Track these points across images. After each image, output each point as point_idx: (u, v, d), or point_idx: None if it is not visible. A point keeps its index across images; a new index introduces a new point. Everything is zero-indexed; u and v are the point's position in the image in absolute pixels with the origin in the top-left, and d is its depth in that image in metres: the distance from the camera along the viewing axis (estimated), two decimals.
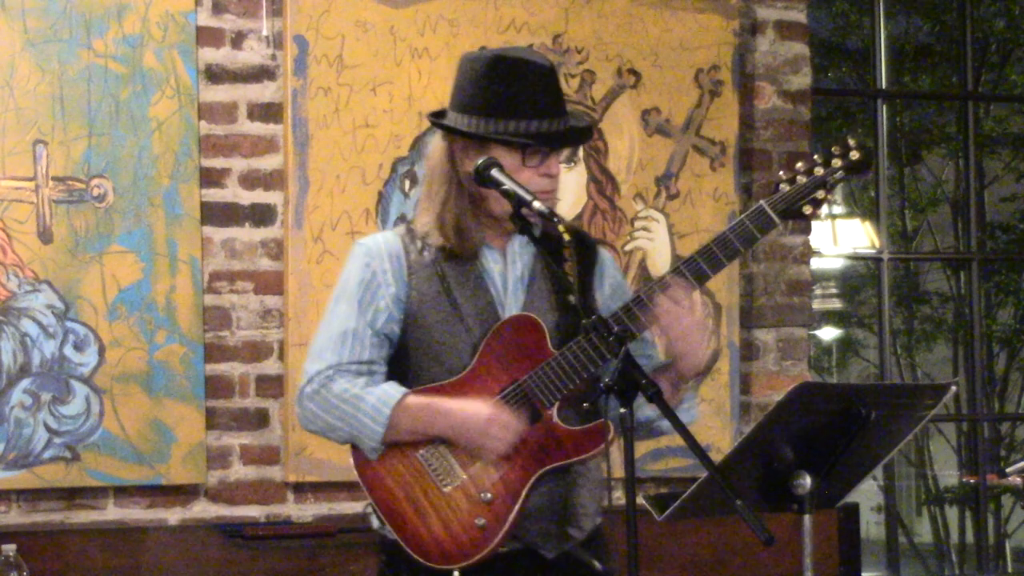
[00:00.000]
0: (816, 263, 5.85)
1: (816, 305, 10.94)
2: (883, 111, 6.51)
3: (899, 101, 9.56)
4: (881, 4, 6.61)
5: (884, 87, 6.74)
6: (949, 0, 9.14)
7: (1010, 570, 9.73)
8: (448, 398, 3.05)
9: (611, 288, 3.23)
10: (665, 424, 3.13)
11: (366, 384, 3.07)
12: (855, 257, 10.57)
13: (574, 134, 3.17)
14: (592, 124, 3.24)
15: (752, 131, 5.22)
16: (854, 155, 3.11)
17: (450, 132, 3.11)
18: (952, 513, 9.75)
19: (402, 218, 3.20)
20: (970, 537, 9.36)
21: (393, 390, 3.06)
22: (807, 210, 3.10)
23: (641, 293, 3.04)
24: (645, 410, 3.10)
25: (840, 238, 10.12)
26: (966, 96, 7.03)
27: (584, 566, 3.13)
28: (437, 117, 3.18)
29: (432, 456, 3.05)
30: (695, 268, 3.04)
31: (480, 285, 3.10)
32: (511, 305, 3.11)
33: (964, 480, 9.50)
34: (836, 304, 12.25)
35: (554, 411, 3.06)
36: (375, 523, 3.12)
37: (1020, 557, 10.11)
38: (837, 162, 3.11)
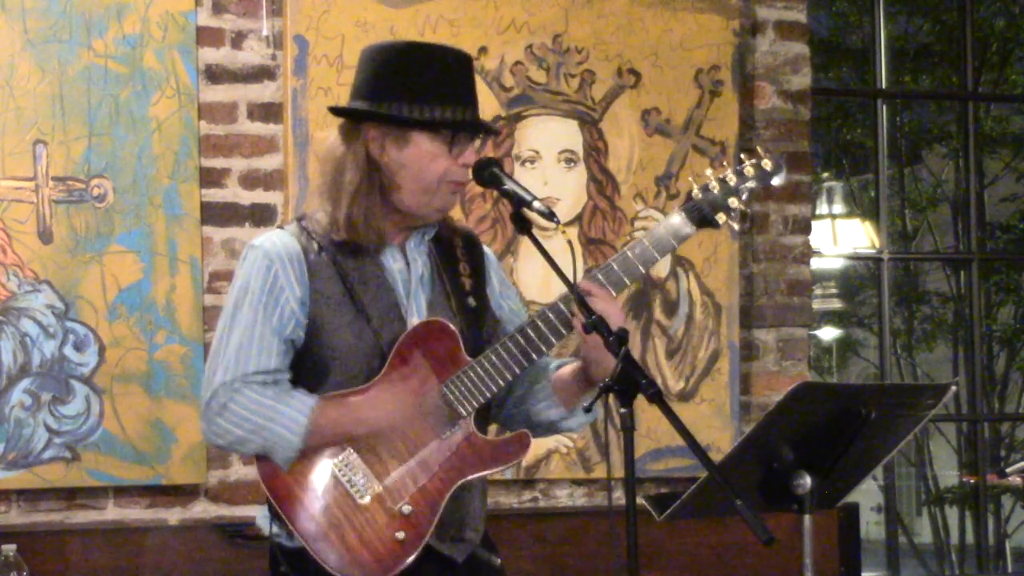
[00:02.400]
0: (816, 263, 5.85)
1: (816, 305, 10.95)
2: (883, 111, 6.51)
3: (899, 101, 9.56)
4: (881, 4, 6.62)
5: (884, 87, 6.74)
6: (949, 0, 9.14)
7: (1010, 570, 9.73)
8: (364, 398, 2.97)
9: (499, 285, 3.21)
10: (569, 423, 3.13)
11: (275, 394, 2.96)
12: (855, 257, 10.58)
13: (490, 125, 3.12)
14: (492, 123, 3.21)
15: (752, 131, 5.22)
16: (765, 164, 3.11)
17: (375, 120, 3.01)
18: (952, 513, 9.74)
19: (301, 217, 3.10)
20: (970, 537, 9.36)
21: (307, 397, 2.96)
22: (721, 218, 3.08)
23: (559, 303, 3.00)
24: (550, 412, 3.11)
25: (840, 238, 10.12)
26: (966, 96, 7.03)
27: (486, 564, 3.12)
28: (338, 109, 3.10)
29: (346, 467, 2.97)
30: (613, 276, 3.01)
31: (382, 285, 3.03)
32: (413, 306, 3.04)
33: (964, 480, 9.50)
34: (836, 304, 12.26)
35: (472, 420, 3.02)
36: (266, 530, 3.04)
37: (1020, 557, 10.11)
38: (749, 170, 3.10)
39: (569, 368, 3.11)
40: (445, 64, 3.03)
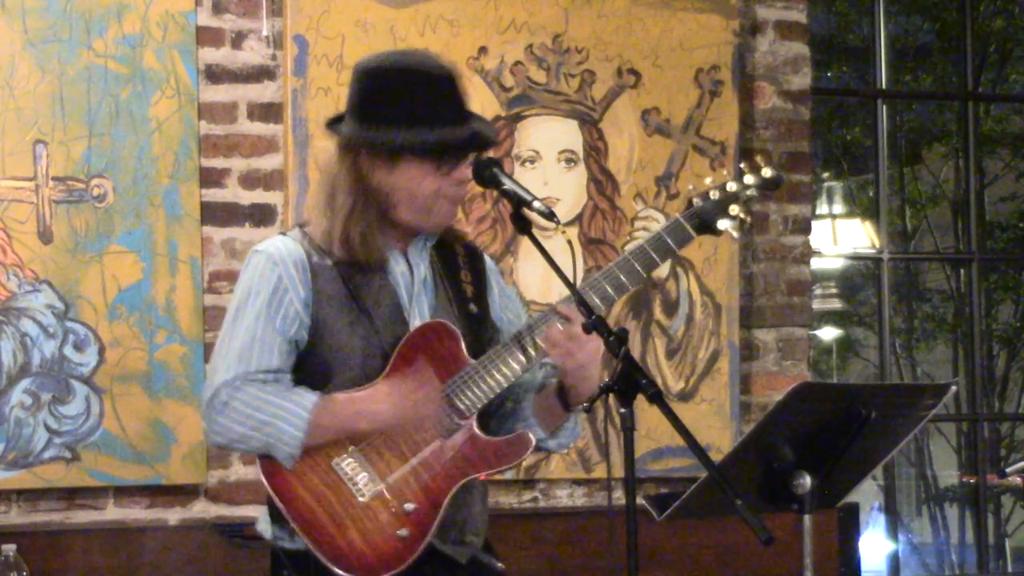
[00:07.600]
0: (816, 263, 5.85)
1: (816, 305, 10.93)
2: (883, 111, 6.50)
3: (899, 101, 9.55)
4: (881, 4, 6.61)
5: (884, 87, 6.74)
6: (949, 0, 9.14)
7: (1010, 570, 9.73)
8: (367, 394, 2.99)
9: (499, 294, 3.22)
10: (548, 444, 3.13)
11: (277, 390, 2.98)
12: (855, 257, 10.57)
13: (480, 140, 3.10)
14: (495, 132, 3.26)
15: (752, 131, 5.23)
16: (765, 172, 3.16)
17: (364, 145, 3.03)
18: (952, 513, 9.75)
19: (303, 224, 3.13)
20: (970, 537, 9.36)
21: (309, 394, 2.98)
22: (722, 225, 3.11)
23: (538, 319, 3.02)
24: (530, 433, 3.09)
25: (840, 238, 10.12)
26: (966, 96, 7.02)
27: (488, 568, 3.14)
28: (334, 122, 3.11)
29: (347, 465, 2.98)
30: (614, 280, 3.04)
31: (385, 287, 3.05)
32: (416, 309, 3.06)
33: (964, 480, 9.50)
34: (836, 304, 12.25)
35: (474, 420, 3.03)
36: (268, 533, 3.05)
37: (1020, 557, 10.11)
38: (749, 179, 3.14)
39: (547, 391, 3.12)
40: (430, 84, 3.03)
